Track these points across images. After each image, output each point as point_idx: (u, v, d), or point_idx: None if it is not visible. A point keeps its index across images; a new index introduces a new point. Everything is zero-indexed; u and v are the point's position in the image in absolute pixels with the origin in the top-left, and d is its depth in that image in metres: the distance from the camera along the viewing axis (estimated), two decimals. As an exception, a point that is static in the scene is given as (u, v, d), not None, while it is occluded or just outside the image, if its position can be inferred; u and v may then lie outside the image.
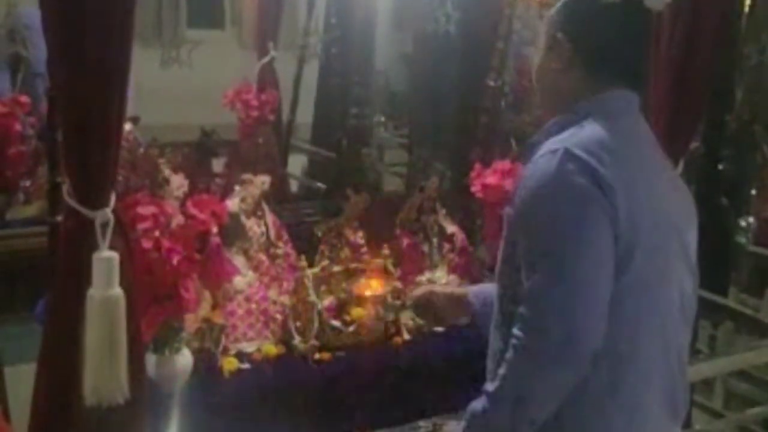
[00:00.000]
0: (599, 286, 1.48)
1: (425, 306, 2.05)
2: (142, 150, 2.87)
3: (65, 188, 1.73)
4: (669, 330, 1.62)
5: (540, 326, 1.49)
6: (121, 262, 1.75)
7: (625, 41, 1.64)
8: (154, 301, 2.18)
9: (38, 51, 1.77)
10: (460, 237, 3.12)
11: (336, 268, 2.75)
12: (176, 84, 3.61)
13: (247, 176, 2.80)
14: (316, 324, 2.60)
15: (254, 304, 2.64)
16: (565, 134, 1.58)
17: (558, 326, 1.47)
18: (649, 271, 1.54)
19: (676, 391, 1.65)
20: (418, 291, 2.09)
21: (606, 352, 1.51)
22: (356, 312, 2.69)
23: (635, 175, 1.55)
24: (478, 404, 1.61)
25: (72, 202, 1.71)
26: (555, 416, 1.54)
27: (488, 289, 1.86)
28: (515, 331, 1.52)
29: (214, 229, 2.37)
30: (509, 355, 1.54)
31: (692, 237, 1.70)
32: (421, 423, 2.29)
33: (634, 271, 1.51)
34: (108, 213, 1.72)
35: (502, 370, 1.56)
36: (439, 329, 2.86)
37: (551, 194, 1.51)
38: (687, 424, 2.80)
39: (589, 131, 1.57)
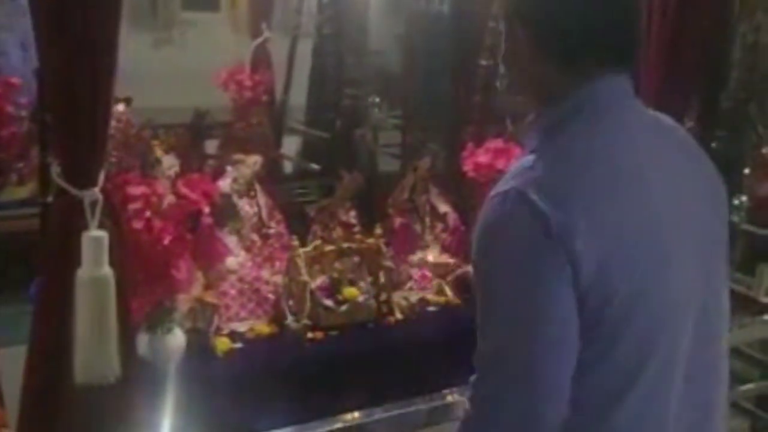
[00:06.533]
0: (560, 350, 1.29)
1: None
2: (134, 131, 2.86)
3: (54, 168, 1.73)
4: (674, 372, 1.40)
5: (493, 398, 1.34)
6: (111, 242, 1.75)
7: (596, 18, 1.35)
8: (145, 281, 2.19)
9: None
10: (452, 216, 3.12)
11: (328, 248, 2.75)
12: (170, 67, 3.59)
13: (239, 156, 2.80)
14: (308, 303, 2.60)
15: (247, 284, 2.64)
16: (524, 163, 1.35)
17: (512, 398, 1.31)
18: (637, 317, 1.32)
19: None
20: None
21: (594, 404, 1.35)
22: (349, 291, 2.70)
23: (616, 192, 1.32)
24: None
25: (61, 182, 1.71)
26: None
27: None
28: (466, 399, 1.40)
29: (206, 209, 2.38)
30: (462, 421, 1.42)
31: (718, 236, 1.49)
32: (415, 401, 2.31)
33: (612, 322, 1.30)
34: (96, 192, 1.72)
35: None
36: (432, 308, 2.88)
37: (499, 248, 1.33)
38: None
39: (551, 157, 1.34)
